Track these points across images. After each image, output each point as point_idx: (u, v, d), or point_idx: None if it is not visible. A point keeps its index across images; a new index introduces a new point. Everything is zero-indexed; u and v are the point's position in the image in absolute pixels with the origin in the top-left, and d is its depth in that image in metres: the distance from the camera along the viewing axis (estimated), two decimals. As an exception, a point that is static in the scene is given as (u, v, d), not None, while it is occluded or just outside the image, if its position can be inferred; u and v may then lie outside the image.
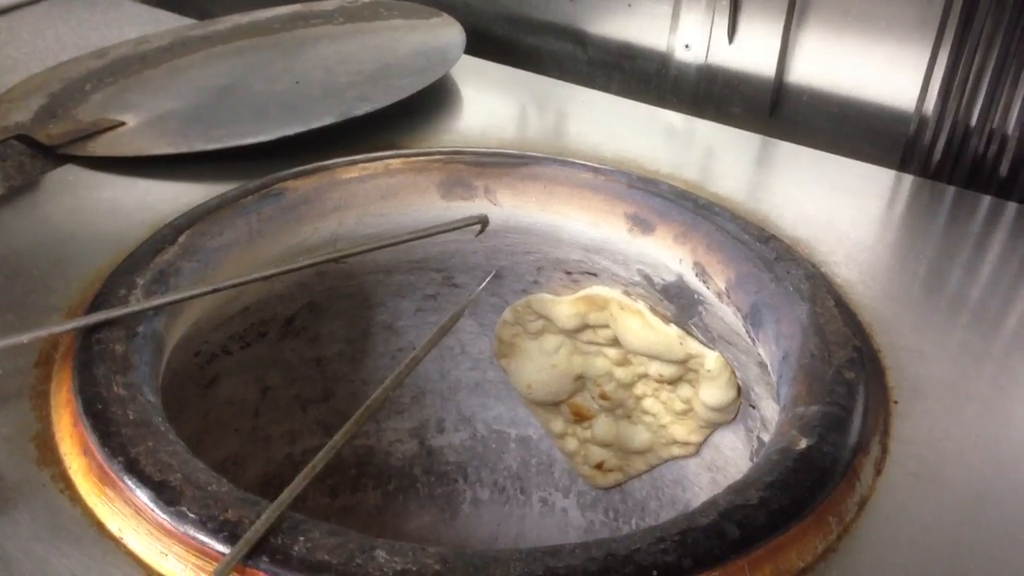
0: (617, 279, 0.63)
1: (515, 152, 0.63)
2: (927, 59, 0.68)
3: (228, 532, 0.35)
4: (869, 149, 0.73)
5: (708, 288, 0.56)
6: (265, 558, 0.34)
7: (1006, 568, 0.38)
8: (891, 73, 0.71)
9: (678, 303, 0.60)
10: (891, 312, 0.51)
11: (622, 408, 0.69)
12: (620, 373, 0.66)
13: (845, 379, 0.44)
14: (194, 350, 0.58)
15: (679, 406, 0.65)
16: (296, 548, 0.34)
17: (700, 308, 0.58)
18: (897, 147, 0.72)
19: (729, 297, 0.54)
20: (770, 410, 0.56)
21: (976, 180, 0.68)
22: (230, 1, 0.95)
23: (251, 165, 0.62)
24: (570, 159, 0.63)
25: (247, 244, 0.56)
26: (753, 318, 0.52)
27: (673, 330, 0.61)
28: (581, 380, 0.69)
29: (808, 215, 0.59)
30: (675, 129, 0.72)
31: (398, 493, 0.79)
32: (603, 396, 0.68)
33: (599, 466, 0.72)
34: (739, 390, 0.60)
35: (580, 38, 0.87)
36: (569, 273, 0.65)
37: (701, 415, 0.63)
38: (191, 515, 0.35)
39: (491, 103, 0.76)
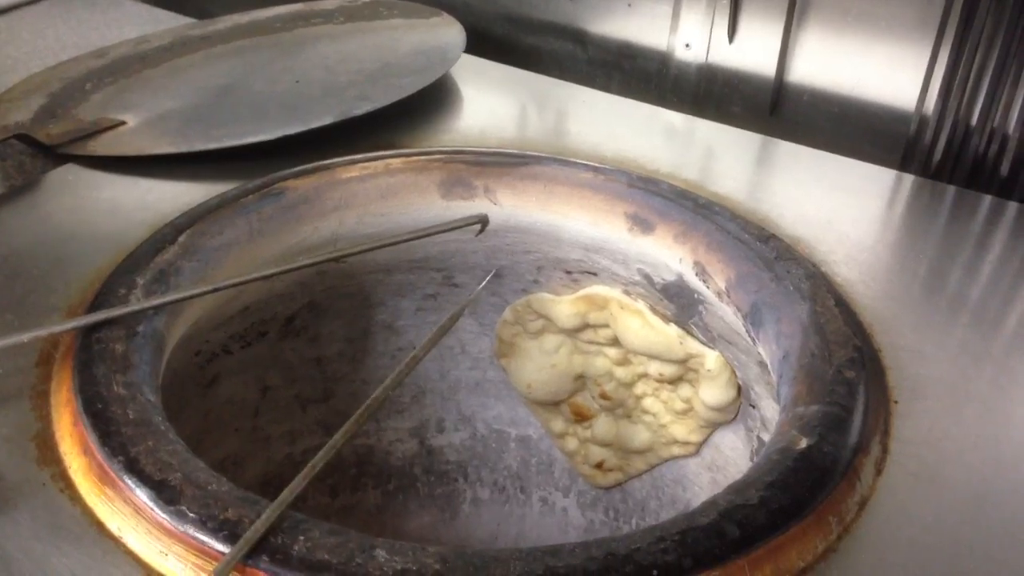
0: (617, 278, 0.63)
1: (515, 152, 0.63)
2: (927, 59, 0.68)
3: (228, 531, 0.35)
4: (869, 149, 0.73)
5: (708, 287, 0.56)
6: (265, 557, 0.34)
7: (1006, 568, 0.38)
8: (891, 73, 0.71)
9: (678, 302, 0.60)
10: (891, 312, 0.51)
11: (622, 408, 0.69)
12: (620, 373, 0.66)
13: (845, 379, 0.44)
14: (194, 350, 0.58)
15: (679, 406, 0.65)
16: (296, 547, 0.34)
17: (700, 307, 0.58)
18: (897, 147, 0.72)
19: (729, 296, 0.54)
20: (770, 410, 0.56)
21: (977, 180, 0.68)
22: (230, 1, 0.95)
23: (251, 165, 0.62)
24: (570, 159, 0.63)
25: (247, 243, 0.56)
26: (753, 317, 0.52)
27: (673, 330, 0.61)
28: (581, 380, 0.69)
29: (808, 215, 0.59)
30: (675, 129, 0.72)
31: (398, 492, 0.79)
32: (603, 396, 0.68)
33: (599, 466, 0.72)
34: (739, 390, 0.60)
35: (580, 37, 0.87)
36: (569, 272, 0.65)
37: (701, 415, 0.63)
38: (191, 514, 0.35)
39: (491, 103, 0.76)
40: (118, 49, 0.81)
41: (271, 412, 0.69)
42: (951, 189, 0.65)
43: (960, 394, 0.46)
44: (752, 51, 0.78)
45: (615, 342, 0.65)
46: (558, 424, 0.73)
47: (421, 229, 0.58)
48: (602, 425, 0.70)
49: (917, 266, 0.56)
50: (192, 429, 0.60)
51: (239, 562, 0.34)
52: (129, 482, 0.37)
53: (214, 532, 0.35)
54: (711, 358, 0.59)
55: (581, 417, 0.72)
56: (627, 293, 0.63)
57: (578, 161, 0.62)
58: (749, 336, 0.53)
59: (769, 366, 0.50)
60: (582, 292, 0.65)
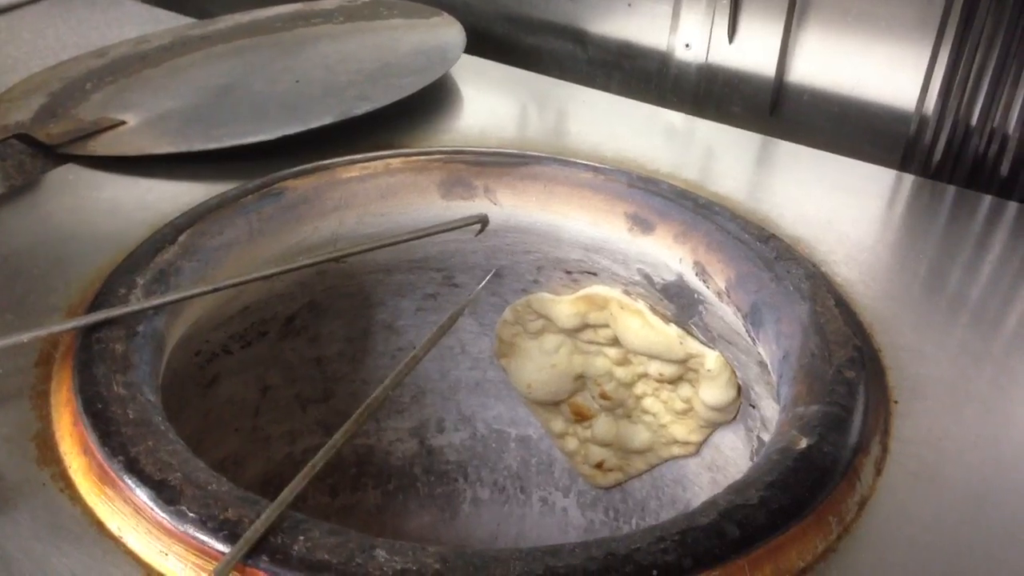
0: (617, 278, 0.63)
1: (515, 152, 0.63)
2: (927, 59, 0.68)
3: (228, 531, 0.35)
4: (869, 149, 0.73)
5: (708, 287, 0.56)
6: (265, 557, 0.34)
7: (1006, 568, 0.38)
8: (891, 73, 0.71)
9: (678, 302, 0.60)
10: (891, 312, 0.51)
11: (622, 408, 0.69)
12: (620, 372, 0.66)
13: (845, 379, 0.44)
14: (194, 349, 0.58)
15: (679, 406, 0.65)
16: (296, 547, 0.34)
17: (700, 307, 0.58)
18: (897, 147, 0.72)
19: (729, 296, 0.54)
20: (770, 410, 0.56)
21: (977, 180, 0.68)
22: (230, 0, 0.95)
23: (251, 164, 0.62)
24: (570, 159, 0.63)
25: (247, 243, 0.56)
26: (753, 317, 0.52)
27: (673, 329, 0.61)
28: (581, 380, 0.69)
29: (808, 214, 0.59)
30: (675, 129, 0.72)
31: (398, 492, 0.79)
32: (603, 396, 0.68)
33: (599, 465, 0.72)
34: (739, 389, 0.60)
35: (580, 37, 0.87)
36: (569, 272, 0.65)
37: (701, 415, 0.63)
38: (191, 514, 0.35)
39: (491, 102, 0.76)
40: (118, 49, 0.81)
41: (271, 412, 0.69)
42: (951, 189, 0.65)
43: (960, 394, 0.46)
44: (752, 51, 0.78)
45: (615, 342, 0.65)
46: (558, 424, 0.73)
47: (421, 229, 0.58)
48: (602, 425, 0.70)
49: (917, 266, 0.56)
50: (192, 429, 0.60)
51: (239, 562, 0.34)
52: (129, 482, 0.37)
53: (214, 532, 0.35)
54: (711, 358, 0.59)
55: (581, 417, 0.72)
56: (627, 293, 0.63)
57: (578, 161, 0.62)
58: (749, 336, 0.53)
59: (769, 366, 0.50)
60: (582, 292, 0.65)
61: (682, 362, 0.62)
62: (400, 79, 0.72)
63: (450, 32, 0.81)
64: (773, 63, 0.76)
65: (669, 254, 0.58)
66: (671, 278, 0.59)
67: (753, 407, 0.59)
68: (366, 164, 0.61)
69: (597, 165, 0.62)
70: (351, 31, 0.84)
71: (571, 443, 0.74)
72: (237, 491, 0.37)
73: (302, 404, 0.70)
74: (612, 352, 0.66)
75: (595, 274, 0.64)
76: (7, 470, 0.40)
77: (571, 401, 0.71)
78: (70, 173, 0.63)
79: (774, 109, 0.78)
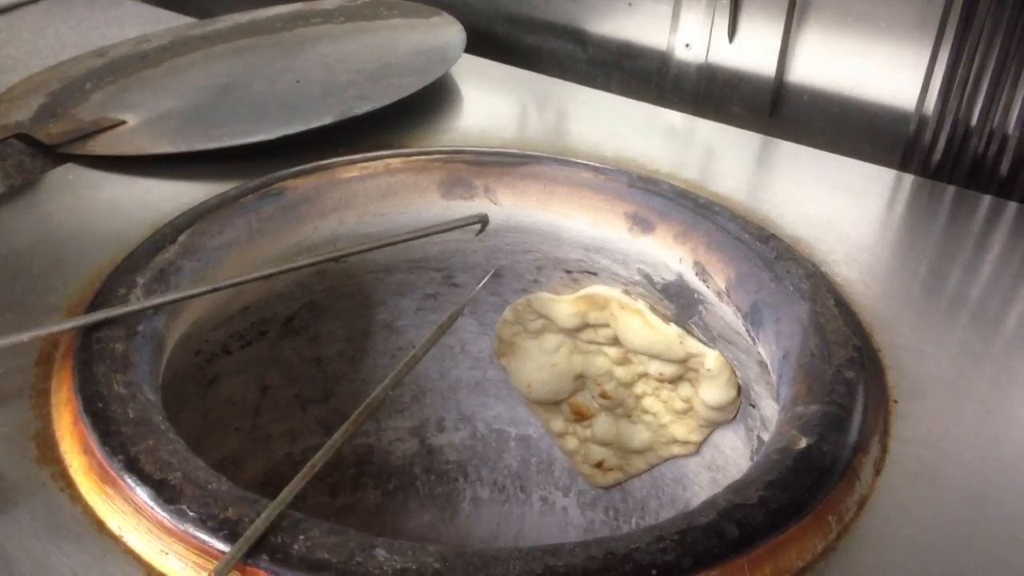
0: (617, 278, 0.63)
1: (515, 151, 0.63)
2: (927, 59, 0.68)
3: (228, 530, 0.35)
4: (869, 149, 0.73)
5: (708, 287, 0.56)
6: (265, 556, 0.34)
7: (1006, 567, 0.38)
8: (891, 73, 0.71)
9: (678, 302, 0.60)
10: (891, 311, 0.51)
11: (622, 407, 0.69)
12: (620, 372, 0.67)
13: (845, 378, 0.44)
14: (194, 349, 0.58)
15: (679, 405, 0.65)
16: (296, 547, 0.34)
17: (700, 307, 0.58)
18: (897, 147, 0.72)
19: (729, 296, 0.54)
20: (770, 409, 0.56)
21: (976, 180, 0.68)
22: (230, 0, 0.95)
23: (251, 164, 0.62)
24: (570, 158, 0.63)
25: (247, 243, 0.56)
26: (753, 317, 0.52)
27: (673, 329, 0.61)
28: (581, 379, 0.70)
29: (808, 214, 0.59)
30: (675, 128, 0.72)
31: (398, 492, 0.79)
32: (603, 395, 0.68)
33: (599, 465, 0.73)
34: (739, 389, 0.60)
35: (580, 37, 0.87)
36: (569, 272, 0.65)
37: (701, 414, 0.63)
38: (191, 513, 0.35)
39: (491, 102, 0.76)
40: (118, 48, 0.81)
41: (271, 411, 0.69)
42: (951, 189, 0.65)
43: (960, 394, 0.46)
44: (752, 51, 0.78)
45: (615, 342, 0.65)
46: (558, 423, 0.73)
47: (421, 229, 0.58)
48: (602, 424, 0.70)
49: (917, 266, 0.56)
50: (192, 428, 0.60)
51: (239, 561, 0.34)
52: (129, 481, 0.37)
53: (214, 531, 0.35)
54: (711, 358, 0.59)
55: (581, 416, 0.72)
56: (627, 293, 0.63)
57: (578, 161, 0.62)
58: (749, 336, 0.53)
59: (769, 366, 0.50)
60: (582, 292, 0.65)
61: (682, 362, 0.62)
62: (400, 79, 0.72)
63: (450, 32, 0.81)
64: (773, 63, 0.76)
65: (669, 254, 0.58)
66: (671, 278, 0.59)
67: (753, 407, 0.59)
68: (366, 164, 0.61)
69: (597, 165, 0.62)
70: (351, 31, 0.84)
71: (571, 442, 0.74)
72: (237, 490, 0.37)
73: (302, 404, 0.70)
74: (612, 352, 0.66)
75: (595, 274, 0.64)
76: (7, 469, 0.40)
77: (571, 401, 0.71)
78: (70, 173, 0.63)
79: (774, 109, 0.78)
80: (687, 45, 0.81)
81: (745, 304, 0.53)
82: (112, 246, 0.53)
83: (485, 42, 0.89)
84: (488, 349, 0.73)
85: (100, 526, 0.37)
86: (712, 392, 0.60)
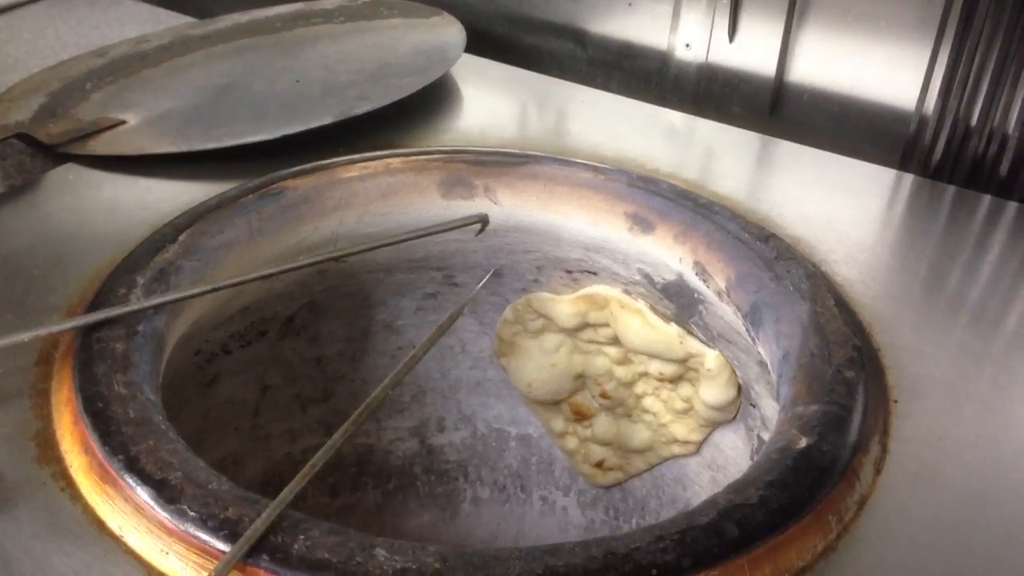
0: (617, 278, 0.63)
1: (515, 151, 0.63)
2: (927, 59, 0.68)
3: (228, 530, 0.35)
4: (869, 148, 0.73)
5: (708, 287, 0.56)
6: (265, 556, 0.34)
7: (1006, 567, 0.38)
8: (891, 73, 0.71)
9: (678, 302, 0.60)
10: (891, 311, 0.51)
11: (622, 407, 0.69)
12: (620, 372, 0.67)
13: (845, 378, 0.44)
14: (194, 349, 0.58)
15: (679, 405, 0.65)
16: (296, 546, 0.34)
17: (700, 307, 0.58)
18: (897, 146, 0.72)
19: (729, 296, 0.54)
20: (770, 409, 0.56)
21: (976, 180, 0.68)
22: (230, 0, 0.95)
23: (251, 164, 0.62)
24: (570, 158, 0.63)
25: (247, 243, 0.56)
26: (753, 317, 0.52)
27: (673, 329, 0.61)
28: (581, 379, 0.70)
29: (808, 214, 0.59)
30: (675, 128, 0.72)
31: (398, 492, 0.79)
32: (603, 395, 0.68)
33: (599, 465, 0.73)
34: (739, 389, 0.60)
35: (580, 37, 0.87)
36: (569, 272, 0.65)
37: (701, 414, 0.63)
38: (191, 513, 0.35)
39: (491, 102, 0.76)
40: (118, 48, 0.81)
41: (271, 411, 0.69)
42: (951, 189, 0.65)
43: (960, 394, 0.46)
44: (752, 51, 0.78)
45: (615, 341, 0.65)
46: (558, 423, 0.74)
47: (421, 228, 0.58)
48: (602, 424, 0.70)
49: (917, 266, 0.56)
50: (192, 428, 0.60)
51: (239, 561, 0.34)
52: (130, 481, 0.37)
53: (214, 531, 0.35)
54: (711, 357, 0.59)
55: (581, 416, 0.72)
56: (627, 292, 0.63)
57: (578, 161, 0.62)
58: (749, 335, 0.53)
59: (769, 365, 0.50)
60: (582, 291, 0.65)
61: (682, 361, 0.62)
62: (400, 79, 0.72)
63: (450, 32, 0.81)
64: (773, 63, 0.76)
65: (669, 254, 0.58)
66: (671, 277, 0.59)
67: (753, 406, 0.59)
68: (366, 164, 0.62)
69: (597, 165, 0.62)
70: (351, 31, 0.84)
71: (571, 442, 0.74)
72: (237, 490, 0.37)
73: (302, 403, 0.70)
74: (612, 351, 0.66)
75: (595, 273, 0.64)
76: (7, 469, 0.40)
77: (571, 400, 0.71)
78: (70, 173, 0.63)
79: (774, 109, 0.78)
80: (687, 45, 0.81)
81: (745, 304, 0.53)
82: (112, 246, 0.53)
83: (485, 42, 0.89)
84: (488, 349, 0.73)
85: (100, 526, 0.37)
86: (712, 392, 0.60)
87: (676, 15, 0.80)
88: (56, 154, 0.65)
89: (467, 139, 0.67)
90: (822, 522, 0.38)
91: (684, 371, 0.62)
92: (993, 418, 0.45)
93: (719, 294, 0.55)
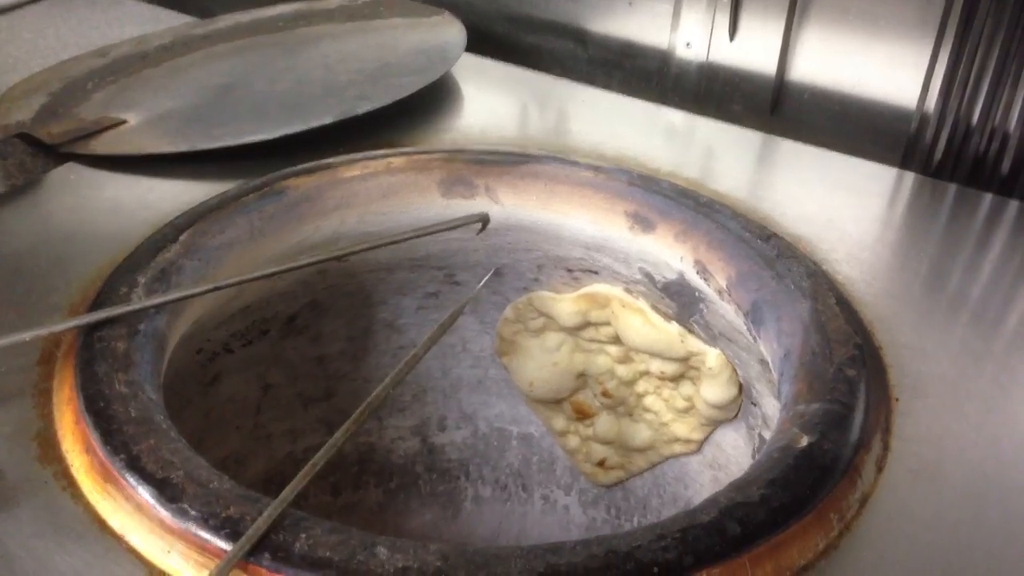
0: (618, 277, 0.63)
1: (516, 150, 0.63)
2: (928, 57, 0.68)
3: (230, 529, 0.35)
4: (870, 147, 0.73)
5: (709, 286, 0.56)
6: (267, 555, 0.34)
7: (1006, 565, 0.38)
8: (892, 71, 0.71)
9: (679, 301, 0.60)
10: (892, 310, 0.51)
11: (624, 406, 0.69)
12: (621, 371, 0.67)
13: (846, 377, 0.44)
14: (196, 348, 0.58)
15: (681, 404, 0.65)
16: (298, 545, 0.34)
17: (701, 306, 0.58)
18: (898, 145, 0.72)
19: (730, 295, 0.54)
20: (772, 407, 0.56)
21: (977, 178, 0.68)
22: (231, 0, 0.95)
23: (252, 164, 0.62)
24: (571, 157, 0.63)
25: (248, 242, 0.56)
26: (754, 316, 0.52)
27: (674, 328, 0.61)
28: (583, 378, 0.70)
29: (809, 213, 0.59)
30: (676, 127, 0.72)
31: (400, 491, 0.79)
32: (605, 394, 0.68)
33: (601, 464, 0.73)
34: (740, 388, 0.60)
35: (581, 36, 0.87)
36: (570, 271, 0.65)
37: (703, 412, 0.63)
38: (193, 512, 0.35)
39: (492, 101, 0.76)
40: (119, 48, 0.81)
41: (272, 410, 0.69)
42: (952, 187, 0.65)
43: (961, 392, 0.46)
44: (753, 49, 0.78)
45: (616, 340, 0.65)
46: (560, 422, 0.74)
47: (422, 228, 0.58)
48: (604, 423, 0.70)
49: (918, 264, 0.56)
50: (194, 427, 0.60)
51: (241, 559, 0.34)
52: (131, 480, 0.37)
53: (216, 530, 0.35)
54: (712, 356, 0.59)
55: (582, 415, 0.72)
56: (628, 291, 0.63)
57: (579, 160, 0.62)
58: (750, 334, 0.53)
59: (770, 364, 0.50)
60: (583, 290, 0.65)
61: (683, 360, 0.62)
62: (401, 78, 0.72)
63: (451, 31, 0.81)
64: (774, 62, 0.76)
65: (670, 253, 0.58)
66: (672, 276, 0.59)
67: (754, 405, 0.59)
68: (367, 163, 0.62)
69: (598, 164, 0.62)
70: (352, 30, 0.84)
71: (573, 441, 0.74)
72: (239, 489, 0.37)
73: (303, 402, 0.71)
74: (613, 350, 0.66)
75: (596, 272, 0.64)
76: (9, 468, 0.40)
77: (572, 399, 0.71)
78: (71, 172, 0.63)
79: (775, 108, 0.78)
80: (688, 44, 0.81)
81: (746, 302, 0.53)
82: (113, 245, 0.53)
83: (486, 41, 0.89)
84: (489, 348, 0.73)
85: (102, 525, 0.37)
86: (713, 390, 0.60)
87: (677, 14, 0.80)
88: (57, 154, 0.65)
89: (468, 138, 0.67)
90: (824, 520, 0.38)
91: (685, 370, 0.62)
92: (994, 416, 0.45)
93: (720, 293, 0.55)
